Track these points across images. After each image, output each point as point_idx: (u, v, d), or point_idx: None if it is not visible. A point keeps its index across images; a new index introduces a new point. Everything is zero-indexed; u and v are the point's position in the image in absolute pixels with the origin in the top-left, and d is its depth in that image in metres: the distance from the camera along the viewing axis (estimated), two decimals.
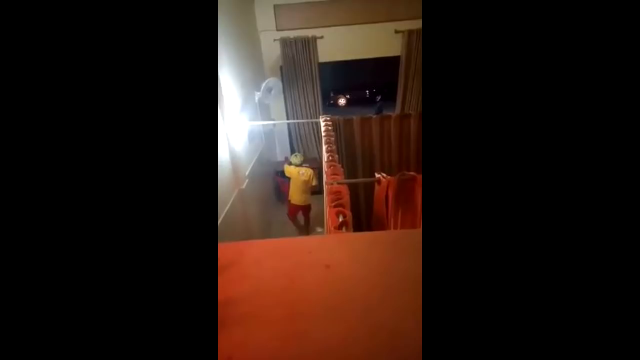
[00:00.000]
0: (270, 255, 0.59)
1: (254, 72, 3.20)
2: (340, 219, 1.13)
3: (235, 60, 2.50)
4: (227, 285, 0.51)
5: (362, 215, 2.83)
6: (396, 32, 3.73)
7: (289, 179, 3.09)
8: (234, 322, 0.44)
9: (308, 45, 3.72)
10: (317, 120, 3.03)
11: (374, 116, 2.85)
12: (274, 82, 2.99)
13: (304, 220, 3.28)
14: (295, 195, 3.06)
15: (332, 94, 8.91)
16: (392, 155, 2.87)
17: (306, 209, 3.19)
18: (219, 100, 2.03)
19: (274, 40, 3.69)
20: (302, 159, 3.24)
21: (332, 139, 2.13)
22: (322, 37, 3.73)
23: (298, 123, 4.08)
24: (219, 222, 1.89)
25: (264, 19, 3.65)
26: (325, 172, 1.68)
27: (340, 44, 3.81)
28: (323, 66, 3.90)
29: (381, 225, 1.74)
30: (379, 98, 8.45)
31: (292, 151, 4.16)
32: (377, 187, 1.69)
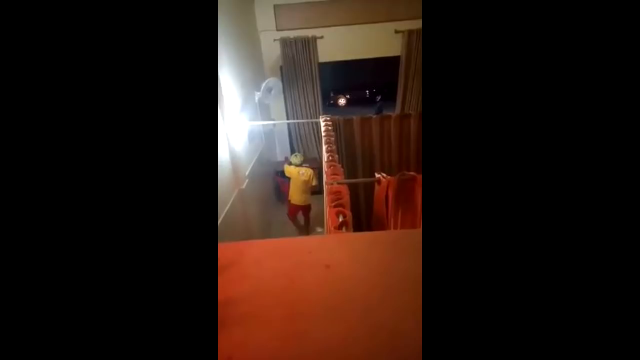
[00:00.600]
0: (270, 255, 0.59)
1: (254, 72, 3.20)
2: (340, 219, 1.13)
3: (235, 60, 2.50)
4: (227, 285, 0.51)
5: (362, 215, 2.83)
6: (396, 32, 3.73)
7: (289, 179, 3.09)
8: (234, 322, 0.44)
9: (308, 45, 3.72)
10: (317, 120, 3.03)
11: (374, 116, 2.85)
12: (274, 82, 2.99)
13: (304, 220, 3.28)
14: (295, 195, 3.06)
15: (332, 94, 8.91)
16: (392, 155, 2.87)
17: (306, 209, 3.19)
18: (219, 100, 2.03)
19: (274, 40, 3.69)
20: (302, 159, 3.24)
21: (332, 139, 2.13)
22: (322, 37, 3.73)
23: (298, 123, 4.08)
24: (219, 222, 1.89)
25: (264, 19, 3.65)
26: (325, 172, 1.68)
27: (340, 44, 3.81)
28: (323, 66, 3.90)
29: (381, 225, 1.74)
30: (379, 98, 8.45)
31: (292, 151, 4.16)
32: (377, 187, 1.69)
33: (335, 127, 2.71)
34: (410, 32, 3.69)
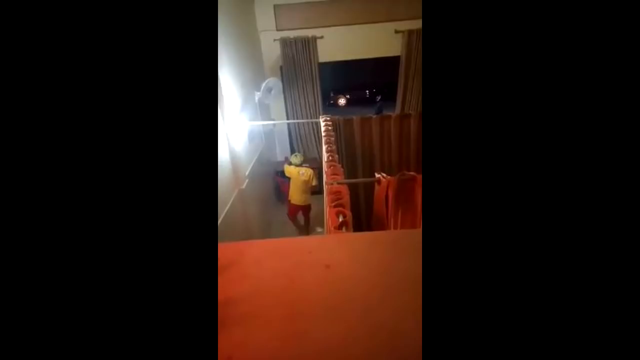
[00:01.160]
0: (270, 255, 0.59)
1: (254, 72, 3.20)
2: (340, 219, 1.13)
3: (235, 60, 2.50)
4: (227, 285, 0.51)
5: (362, 215, 2.83)
6: (396, 32, 3.73)
7: (289, 179, 3.09)
8: (234, 322, 0.44)
9: (308, 45, 3.72)
10: (317, 120, 3.03)
11: (374, 116, 2.85)
12: (274, 82, 2.99)
13: (304, 220, 3.28)
14: (295, 195, 3.05)
15: (332, 94, 8.91)
16: (392, 155, 2.87)
17: (306, 209, 3.19)
18: (219, 100, 2.03)
19: (274, 40, 3.69)
20: (302, 159, 3.24)
21: (332, 139, 2.13)
22: (322, 37, 3.73)
23: (298, 123, 4.08)
24: (219, 222, 1.89)
25: (264, 19, 3.65)
26: (325, 172, 1.68)
27: (340, 44, 3.81)
28: (323, 66, 3.90)
29: (381, 225, 1.74)
30: (379, 98, 8.45)
31: (292, 151, 4.16)
32: (377, 187, 1.69)
33: (335, 127, 2.71)
34: (410, 32, 3.69)
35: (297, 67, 3.82)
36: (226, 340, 0.41)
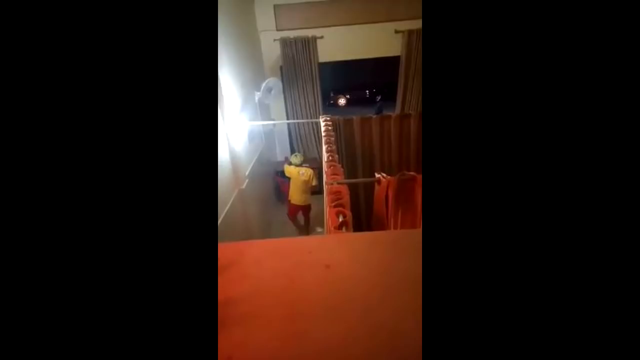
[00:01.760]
0: (270, 255, 0.59)
1: (254, 72, 3.20)
2: (340, 219, 1.13)
3: (235, 60, 2.50)
4: (227, 285, 0.51)
5: (362, 215, 2.83)
6: (396, 32, 3.73)
7: (289, 179, 3.09)
8: (234, 322, 0.44)
9: (308, 45, 3.72)
10: (317, 120, 3.03)
11: (374, 116, 2.85)
12: (274, 82, 2.99)
13: (304, 220, 3.28)
14: (295, 195, 3.05)
15: (332, 94, 8.91)
16: (392, 155, 2.87)
17: (306, 209, 3.19)
18: (219, 100, 2.03)
19: (274, 40, 3.69)
20: (302, 159, 3.24)
21: (332, 139, 2.13)
22: (322, 37, 3.73)
23: (298, 123, 4.07)
24: (219, 222, 1.89)
25: (264, 19, 3.65)
26: (325, 172, 1.68)
27: (340, 44, 3.81)
28: (323, 66, 3.90)
29: (381, 225, 1.74)
30: (379, 98, 8.45)
31: (292, 151, 4.16)
32: (377, 187, 1.69)
33: (335, 127, 2.71)
34: (410, 32, 3.69)
35: (297, 67, 3.82)
36: (226, 340, 0.41)
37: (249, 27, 3.35)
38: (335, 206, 1.23)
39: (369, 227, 2.55)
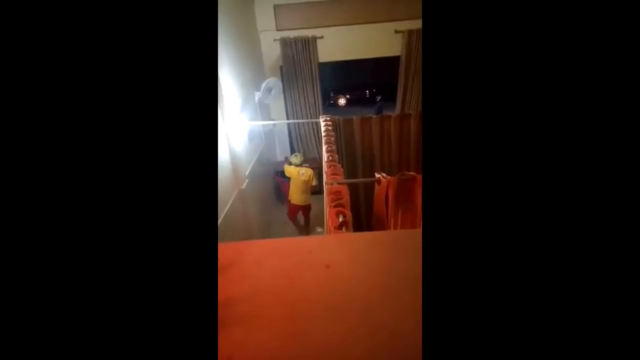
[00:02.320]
0: (270, 255, 0.59)
1: (254, 72, 3.20)
2: (340, 219, 1.13)
3: (235, 60, 2.50)
4: (227, 285, 0.51)
5: (362, 215, 2.83)
6: (396, 32, 3.73)
7: (289, 179, 3.09)
8: (234, 322, 0.44)
9: (308, 45, 3.72)
10: (317, 120, 3.03)
11: (374, 116, 2.85)
12: (274, 82, 2.99)
13: (304, 220, 3.28)
14: (295, 195, 3.05)
15: (332, 94, 8.91)
16: (392, 155, 2.87)
17: (306, 209, 3.19)
18: (219, 100, 2.03)
19: (274, 40, 3.69)
20: (302, 159, 3.24)
21: (332, 139, 2.13)
22: (322, 37, 3.73)
23: (298, 123, 4.07)
24: (219, 222, 1.89)
25: (264, 19, 3.65)
26: (325, 172, 1.68)
27: (340, 44, 3.81)
28: (323, 66, 3.90)
29: (381, 225, 1.73)
30: (379, 98, 8.45)
31: (292, 151, 4.16)
32: (377, 187, 1.69)
33: (335, 127, 2.71)
34: (410, 32, 3.69)
35: (297, 67, 3.82)
36: (226, 340, 0.41)
37: (249, 27, 3.35)
38: (335, 206, 1.23)
39: (369, 227, 2.55)
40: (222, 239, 0.73)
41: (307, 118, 4.02)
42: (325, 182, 1.55)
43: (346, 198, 1.34)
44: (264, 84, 2.93)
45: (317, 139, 4.14)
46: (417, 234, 0.56)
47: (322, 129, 2.36)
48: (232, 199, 2.17)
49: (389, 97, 5.82)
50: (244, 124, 2.57)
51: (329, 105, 8.60)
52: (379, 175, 1.67)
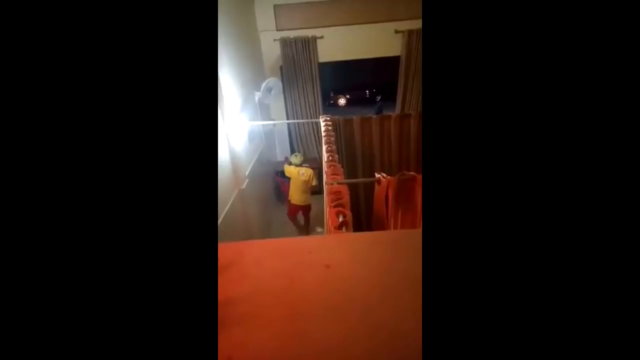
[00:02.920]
0: (270, 255, 0.59)
1: (254, 72, 3.20)
2: (340, 219, 1.13)
3: (235, 60, 2.50)
4: (227, 285, 0.51)
5: (362, 215, 2.83)
6: (396, 32, 3.73)
7: (289, 179, 3.09)
8: (234, 322, 0.44)
9: (308, 45, 3.72)
10: (317, 120, 3.03)
11: (374, 116, 2.85)
12: (274, 82, 2.99)
13: (304, 220, 3.28)
14: (295, 195, 3.05)
15: (332, 94, 8.90)
16: (392, 155, 2.87)
17: (306, 209, 3.19)
18: (219, 100, 2.03)
19: (274, 40, 3.69)
20: (302, 159, 3.24)
21: (332, 139, 2.13)
22: (322, 37, 3.73)
23: (298, 123, 4.07)
24: (219, 222, 1.89)
25: (264, 19, 3.65)
26: (325, 172, 1.68)
27: (340, 44, 3.81)
28: (323, 66, 3.90)
29: (381, 225, 1.73)
30: (379, 98, 8.45)
31: (292, 151, 4.16)
32: (377, 187, 1.69)
33: (335, 127, 2.71)
34: (410, 32, 3.69)
35: (297, 67, 3.82)
36: (226, 340, 0.41)
37: (249, 27, 3.35)
38: (335, 206, 1.23)
39: (369, 227, 2.55)
40: (222, 239, 0.73)
41: (307, 118, 4.02)
42: (325, 182, 1.55)
43: (346, 198, 1.34)
44: (264, 84, 2.93)
45: (317, 139, 4.14)
46: (417, 234, 0.56)
47: (322, 129, 2.36)
48: (232, 199, 2.17)
49: (389, 97, 5.82)
50: (244, 124, 2.57)
51: (329, 105, 8.60)
52: (379, 175, 1.67)
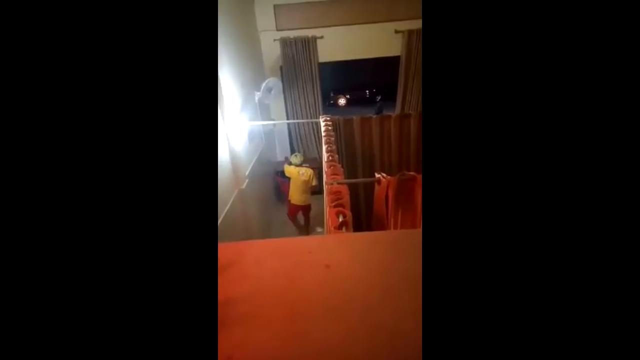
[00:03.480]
0: (270, 255, 0.59)
1: (254, 72, 3.20)
2: (340, 219, 1.13)
3: (235, 60, 2.50)
4: (227, 285, 0.51)
5: (362, 215, 2.83)
6: (396, 32, 3.73)
7: (289, 179, 3.09)
8: (234, 322, 0.44)
9: (308, 45, 3.72)
10: (317, 120, 3.03)
11: (374, 116, 2.85)
12: (274, 82, 2.99)
13: (304, 220, 3.28)
14: (295, 195, 3.05)
15: (332, 94, 8.90)
16: (392, 155, 2.87)
17: (306, 209, 3.19)
18: (219, 100, 2.03)
19: (274, 40, 3.69)
20: (302, 159, 3.24)
21: (332, 139, 2.13)
22: (322, 37, 3.73)
23: (298, 123, 4.07)
24: (219, 222, 1.89)
25: (264, 19, 3.65)
26: (325, 172, 1.68)
27: (340, 44, 3.81)
28: (323, 66, 3.90)
29: (381, 225, 1.74)
30: (379, 98, 8.45)
31: (292, 151, 4.16)
32: (377, 187, 1.69)
33: (335, 127, 2.71)
34: (410, 32, 3.69)
35: (297, 67, 3.82)
36: (226, 340, 0.41)
37: (249, 27, 3.35)
38: (335, 206, 1.23)
39: (369, 227, 2.55)
40: (222, 239, 0.73)
41: (307, 118, 4.02)
42: (325, 182, 1.55)
43: (346, 198, 1.34)
44: (264, 84, 2.93)
45: (317, 139, 4.14)
46: (417, 234, 0.56)
47: (322, 129, 2.36)
48: (232, 199, 2.17)
49: (389, 97, 5.81)
50: (244, 124, 2.57)
51: (329, 105, 8.59)
52: (379, 175, 1.67)
